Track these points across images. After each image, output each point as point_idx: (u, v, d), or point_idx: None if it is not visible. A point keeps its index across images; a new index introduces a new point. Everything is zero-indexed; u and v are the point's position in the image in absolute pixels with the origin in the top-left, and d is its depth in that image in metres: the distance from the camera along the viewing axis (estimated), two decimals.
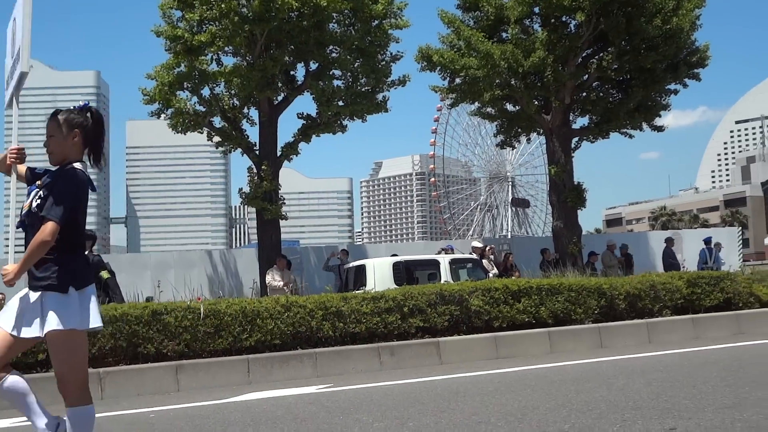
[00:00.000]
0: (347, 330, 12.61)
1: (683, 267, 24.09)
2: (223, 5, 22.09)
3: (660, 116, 28.03)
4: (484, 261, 21.27)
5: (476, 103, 29.16)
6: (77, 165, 5.20)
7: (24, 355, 10.72)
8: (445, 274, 18.54)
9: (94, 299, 5.04)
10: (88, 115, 5.36)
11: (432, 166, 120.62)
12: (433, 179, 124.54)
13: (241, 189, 25.91)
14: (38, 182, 5.25)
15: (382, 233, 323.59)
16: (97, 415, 9.10)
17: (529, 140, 40.70)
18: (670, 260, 25.11)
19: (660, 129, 28.56)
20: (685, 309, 15.72)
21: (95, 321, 5.04)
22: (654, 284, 15.59)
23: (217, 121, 25.84)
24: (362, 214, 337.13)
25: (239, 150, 26.05)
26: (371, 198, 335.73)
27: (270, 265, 21.80)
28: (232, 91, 24.83)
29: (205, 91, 25.08)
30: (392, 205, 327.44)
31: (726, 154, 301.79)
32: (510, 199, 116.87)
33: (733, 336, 14.89)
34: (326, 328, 12.44)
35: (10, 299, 5.67)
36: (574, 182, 26.41)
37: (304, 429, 7.50)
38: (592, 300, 14.63)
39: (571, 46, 24.46)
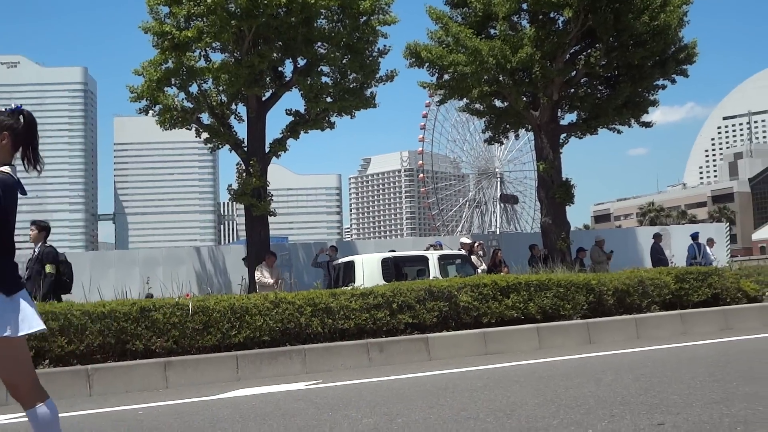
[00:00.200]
0: (336, 326, 12.60)
1: (671, 263, 24.17)
2: (210, 1, 22.03)
3: (648, 112, 28.11)
4: (472, 257, 21.29)
5: (464, 100, 29.15)
6: (4, 168, 5.10)
7: None
8: (433, 270, 18.53)
9: (25, 303, 4.86)
10: (20, 117, 5.16)
11: (420, 162, 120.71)
12: (421, 175, 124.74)
13: (229, 185, 25.86)
14: None
15: (371, 229, 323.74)
16: (85, 412, 9.12)
17: (517, 136, 40.67)
18: (659, 256, 25.18)
19: (648, 125, 28.62)
20: (673, 304, 15.77)
21: (33, 325, 4.85)
22: (642, 280, 15.63)
23: (205, 118, 25.76)
24: (351, 211, 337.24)
25: (227, 146, 25.99)
26: (360, 194, 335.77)
27: (258, 261, 21.76)
28: (220, 88, 24.76)
29: (193, 88, 25.01)
30: (381, 202, 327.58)
31: (713, 150, 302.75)
32: (498, 195, 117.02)
33: (721, 331, 14.94)
34: (315, 325, 12.43)
35: None
36: (563, 178, 26.45)
37: (293, 425, 7.50)
38: (580, 296, 14.66)
39: (559, 42, 24.48)
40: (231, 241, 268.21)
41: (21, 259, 23.76)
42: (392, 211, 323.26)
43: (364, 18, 24.41)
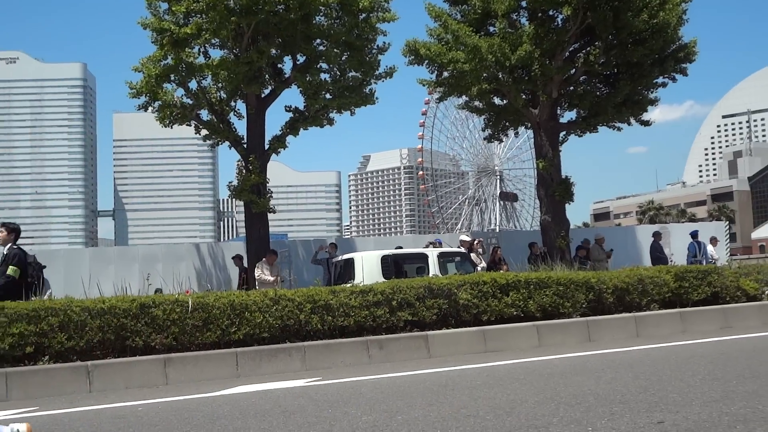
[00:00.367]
0: (336, 323, 12.61)
1: (671, 261, 24.17)
2: None
3: (647, 110, 28.08)
4: (472, 255, 21.29)
5: (464, 97, 29.13)
6: None
7: (11, 347, 10.70)
8: (433, 267, 18.54)
9: None
10: None
11: (420, 159, 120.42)
12: (421, 173, 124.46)
13: (229, 182, 25.84)
14: None
15: (371, 227, 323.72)
16: (84, 409, 9.13)
17: (516, 134, 40.61)
18: (658, 254, 25.18)
19: (647, 123, 28.60)
20: (672, 303, 15.78)
21: None
22: (642, 278, 15.63)
23: (205, 114, 25.73)
24: (350, 208, 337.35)
25: (227, 143, 25.97)
26: (359, 191, 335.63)
27: (258, 258, 21.77)
28: (219, 84, 24.73)
29: (192, 84, 25.00)
30: (380, 199, 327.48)
31: (713, 148, 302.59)
32: (498, 192, 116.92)
33: (721, 330, 14.96)
34: (315, 322, 12.44)
35: None
36: (562, 176, 26.44)
37: (293, 422, 7.50)
38: (580, 294, 14.67)
39: (559, 40, 24.45)
40: (230, 237, 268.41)
41: None
42: (392, 208, 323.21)
43: (364, 15, 24.39)
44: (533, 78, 24.71)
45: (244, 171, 24.72)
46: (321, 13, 24.29)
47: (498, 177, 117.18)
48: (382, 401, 8.51)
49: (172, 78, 24.41)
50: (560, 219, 25.97)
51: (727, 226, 36.89)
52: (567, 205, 26.49)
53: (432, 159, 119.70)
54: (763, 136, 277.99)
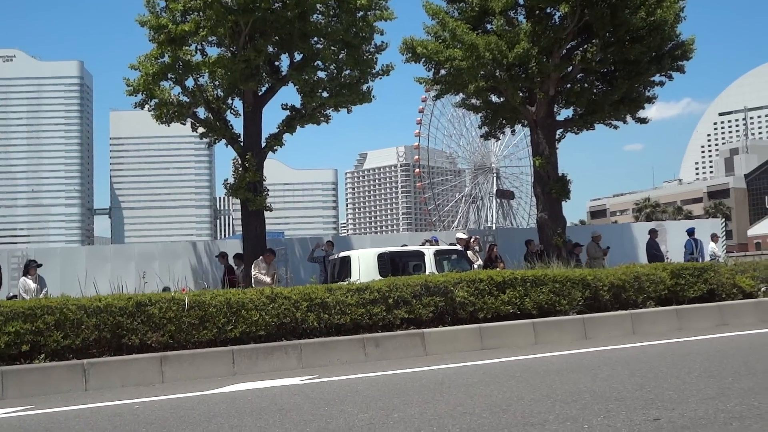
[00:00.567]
0: (332, 321, 12.62)
1: (667, 258, 24.18)
2: None
3: (644, 108, 28.07)
4: (468, 252, 21.27)
5: (461, 95, 29.10)
6: None
7: (7, 345, 10.69)
8: (429, 265, 18.52)
9: None
10: None
11: (417, 157, 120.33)
12: (417, 170, 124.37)
13: (225, 180, 25.78)
14: None
15: (367, 224, 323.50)
16: (81, 407, 9.13)
17: (513, 132, 40.72)
18: (654, 251, 25.19)
19: (644, 121, 28.60)
20: (669, 300, 15.81)
21: None
22: (638, 275, 15.65)
23: (201, 112, 25.67)
24: (347, 206, 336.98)
25: (223, 141, 25.93)
26: (356, 189, 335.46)
27: (255, 256, 21.74)
28: (216, 82, 24.69)
29: (189, 82, 24.91)
30: (377, 197, 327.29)
31: (710, 145, 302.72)
32: (495, 190, 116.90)
33: (717, 327, 14.98)
34: (311, 320, 12.45)
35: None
36: (559, 174, 26.40)
37: (289, 420, 7.50)
38: (576, 291, 14.69)
39: (556, 37, 24.41)
40: (227, 235, 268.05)
41: (15, 253, 23.78)
42: (388, 206, 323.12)
43: (361, 13, 24.36)
44: (530, 75, 24.70)
45: (240, 169, 24.68)
46: (318, 11, 24.26)
47: (495, 174, 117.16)
48: (379, 399, 8.51)
49: (169, 76, 24.36)
50: (557, 216, 25.95)
51: (724, 224, 36.90)
52: (564, 203, 26.46)
53: (429, 157, 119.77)
54: (760, 133, 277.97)
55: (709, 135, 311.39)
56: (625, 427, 6.39)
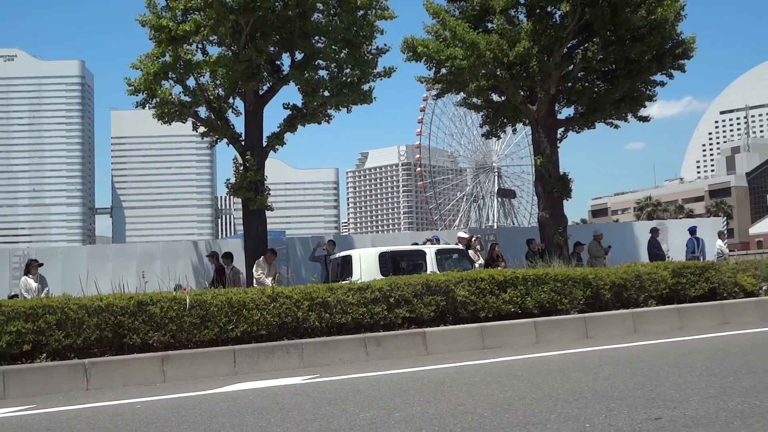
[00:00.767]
0: (333, 321, 12.62)
1: (668, 257, 24.17)
2: None
3: (645, 107, 28.06)
4: (470, 251, 21.27)
5: (462, 94, 29.10)
6: None
7: (8, 345, 10.70)
8: (431, 264, 18.51)
9: None
10: None
11: (418, 156, 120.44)
12: (419, 169, 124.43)
13: (227, 179, 25.79)
14: None
15: (368, 224, 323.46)
16: (82, 406, 9.13)
17: (514, 131, 40.55)
18: (655, 250, 25.18)
19: (645, 119, 28.60)
20: (670, 299, 15.80)
21: None
22: (639, 274, 15.65)
23: (203, 112, 25.69)
24: (348, 205, 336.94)
25: (225, 140, 25.94)
26: (357, 188, 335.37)
27: (256, 256, 21.75)
28: (217, 81, 24.71)
29: (190, 81, 24.93)
30: (378, 196, 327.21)
31: (711, 144, 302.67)
32: (496, 189, 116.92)
33: (718, 326, 14.97)
34: (312, 319, 12.45)
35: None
36: (560, 172, 26.40)
37: (290, 419, 7.50)
38: (577, 290, 14.68)
39: (557, 36, 24.41)
40: (228, 235, 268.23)
41: (16, 253, 23.80)
42: (389, 205, 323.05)
43: (361, 12, 24.35)
44: (531, 74, 24.69)
45: (241, 168, 24.69)
46: (319, 10, 24.26)
47: (496, 173, 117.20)
48: (380, 398, 8.51)
49: (170, 75, 24.38)
50: (558, 215, 25.95)
51: (725, 222, 36.93)
52: (565, 202, 26.47)
53: (430, 156, 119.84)
54: (761, 131, 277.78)
55: (710, 133, 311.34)
56: (627, 426, 6.39)
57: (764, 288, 17.23)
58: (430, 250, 19.12)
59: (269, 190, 25.17)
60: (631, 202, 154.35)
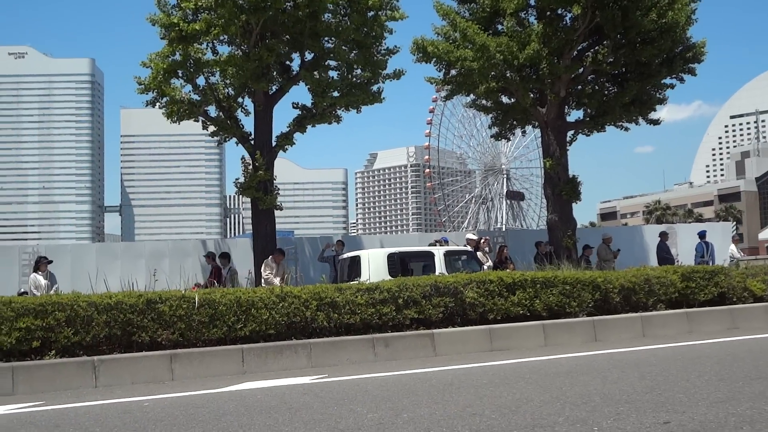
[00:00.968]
0: (342, 321, 12.62)
1: (677, 261, 24.13)
2: None
3: (655, 110, 28.02)
4: (478, 253, 21.26)
5: (471, 95, 29.08)
6: None
7: (17, 341, 10.72)
8: (439, 266, 18.51)
9: None
10: None
11: (427, 157, 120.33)
12: (427, 170, 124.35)
13: (236, 179, 25.83)
14: None
15: (377, 224, 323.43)
16: (91, 404, 9.15)
17: (524, 133, 40.50)
18: (665, 254, 25.16)
19: (655, 122, 28.54)
20: (679, 303, 15.77)
21: None
22: (648, 278, 15.62)
23: (212, 111, 25.74)
24: (357, 205, 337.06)
25: (234, 140, 25.97)
26: (366, 189, 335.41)
27: (265, 255, 21.76)
28: (227, 81, 24.75)
29: (200, 80, 24.98)
30: (387, 197, 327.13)
31: (720, 148, 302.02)
32: (505, 191, 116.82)
33: (727, 330, 14.94)
34: (321, 319, 12.46)
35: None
36: (569, 175, 26.37)
37: (298, 419, 7.51)
38: (586, 293, 14.66)
39: (567, 39, 24.39)
40: (237, 234, 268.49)
41: (26, 249, 23.87)
42: (398, 206, 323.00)
43: (372, 13, 24.35)
44: (541, 77, 24.67)
45: (251, 167, 24.72)
46: (329, 11, 24.27)
47: (505, 176, 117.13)
48: (388, 399, 8.51)
49: (180, 74, 24.43)
50: (567, 218, 25.92)
51: (734, 227, 36.83)
52: (574, 205, 26.44)
53: (439, 157, 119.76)
54: None
55: (720, 138, 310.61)
56: (635, 430, 6.37)
57: None
58: (438, 252, 19.13)
59: (278, 189, 25.19)
60: (641, 205, 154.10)
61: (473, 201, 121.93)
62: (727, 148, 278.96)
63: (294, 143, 25.47)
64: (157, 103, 24.93)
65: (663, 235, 26.29)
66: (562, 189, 25.71)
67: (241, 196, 27.35)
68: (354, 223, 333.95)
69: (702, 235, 25.78)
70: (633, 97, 25.84)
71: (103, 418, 8.22)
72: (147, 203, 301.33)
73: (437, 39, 25.64)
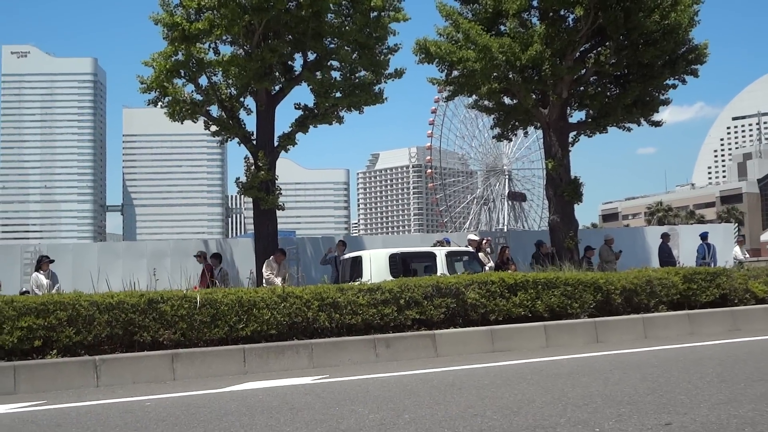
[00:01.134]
0: (343, 321, 12.62)
1: (679, 263, 24.12)
2: None
3: (658, 111, 27.98)
4: (480, 254, 21.26)
5: (473, 96, 29.06)
6: None
7: (19, 341, 10.73)
8: (441, 266, 18.49)
9: None
10: None
11: (429, 158, 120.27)
12: (429, 171, 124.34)
13: (237, 178, 25.83)
14: None
15: (379, 225, 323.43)
16: (92, 403, 9.15)
17: (526, 134, 40.52)
18: (666, 256, 25.14)
19: (657, 124, 28.49)
20: (681, 305, 15.76)
21: None
22: (650, 279, 15.61)
23: (214, 110, 25.72)
24: (359, 206, 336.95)
25: (236, 139, 25.97)
26: (368, 189, 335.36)
27: (267, 255, 21.74)
28: (230, 81, 24.74)
29: (203, 80, 24.97)
30: (389, 197, 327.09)
31: (722, 150, 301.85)
32: (506, 192, 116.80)
33: (729, 332, 14.94)
34: (322, 319, 12.46)
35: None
36: (571, 176, 26.36)
37: (300, 419, 7.51)
38: (588, 295, 14.66)
39: (569, 40, 24.37)
40: (239, 234, 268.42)
41: (28, 249, 23.86)
42: (400, 206, 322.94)
43: (375, 14, 24.35)
44: (543, 78, 24.65)
45: (253, 167, 24.72)
46: (332, 11, 24.27)
47: (507, 176, 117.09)
48: (390, 400, 8.51)
49: (183, 73, 24.43)
50: (569, 219, 25.91)
51: (736, 228, 36.76)
52: (575, 206, 26.43)
53: (441, 158, 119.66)
54: None
55: (722, 139, 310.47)
56: (637, 431, 6.37)
57: None
58: (440, 252, 19.11)
59: (280, 189, 25.18)
60: (642, 207, 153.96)
61: (475, 202, 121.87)
62: (729, 149, 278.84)
63: (296, 143, 25.48)
64: (160, 103, 24.94)
65: (665, 237, 26.28)
66: (563, 190, 25.70)
67: (242, 196, 27.35)
68: (356, 223, 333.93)
69: (704, 236, 25.76)
70: (635, 98, 25.82)
71: (104, 418, 8.22)
72: (149, 203, 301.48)
73: (440, 40, 25.64)
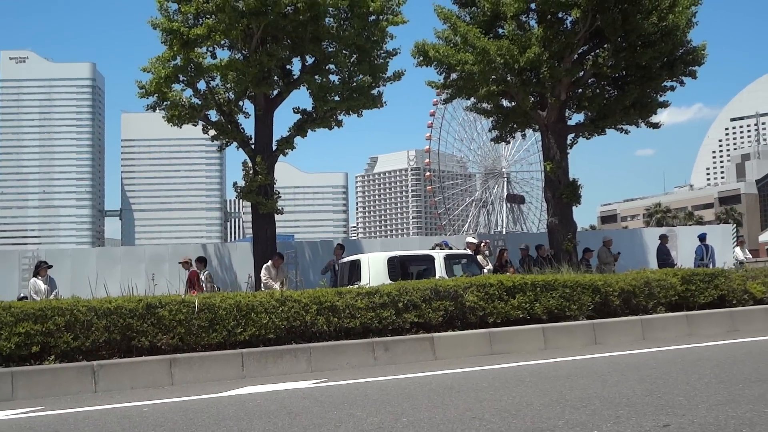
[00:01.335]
0: (342, 325, 12.62)
1: (677, 264, 24.12)
2: None
3: (656, 113, 27.98)
4: (478, 257, 21.25)
5: (472, 99, 29.08)
6: None
7: (17, 346, 10.72)
8: (439, 269, 18.48)
9: None
10: None
11: (427, 160, 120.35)
12: (428, 174, 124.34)
13: (236, 183, 25.82)
14: None
15: (377, 228, 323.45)
16: (90, 409, 9.15)
17: (524, 136, 40.58)
18: (665, 257, 25.14)
19: (656, 126, 28.50)
20: (679, 306, 15.76)
21: None
22: (648, 281, 15.62)
23: (213, 115, 25.72)
24: (357, 209, 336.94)
25: (234, 144, 25.97)
26: (366, 193, 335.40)
27: (265, 259, 21.73)
28: (228, 85, 24.74)
29: (201, 85, 24.97)
30: (387, 200, 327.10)
31: (721, 151, 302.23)
32: (505, 194, 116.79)
33: (727, 333, 14.94)
34: (321, 323, 12.45)
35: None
36: (569, 178, 26.37)
37: (298, 423, 7.51)
38: (586, 296, 14.66)
39: (567, 42, 24.39)
40: (237, 238, 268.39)
41: (26, 254, 23.86)
42: (398, 209, 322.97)
43: (373, 18, 24.34)
44: (541, 80, 24.66)
45: (251, 172, 24.71)
46: (330, 15, 24.27)
47: (505, 179, 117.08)
48: (388, 403, 8.51)
49: (181, 78, 24.43)
50: (567, 221, 25.91)
51: (735, 229, 36.79)
52: (574, 208, 26.43)
53: (439, 161, 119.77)
54: None
55: (720, 140, 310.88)
56: None
57: None
58: (438, 255, 19.11)
59: (279, 193, 25.18)
60: (641, 208, 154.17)
61: (473, 204, 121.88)
62: (728, 150, 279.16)
63: (294, 147, 25.47)
64: (158, 108, 24.95)
65: (663, 238, 26.29)
66: (562, 192, 25.71)
67: (241, 200, 27.31)
68: (354, 226, 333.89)
69: (702, 237, 25.78)
70: (633, 100, 25.84)
71: (102, 423, 8.22)
72: (147, 207, 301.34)
73: (438, 43, 25.66)
